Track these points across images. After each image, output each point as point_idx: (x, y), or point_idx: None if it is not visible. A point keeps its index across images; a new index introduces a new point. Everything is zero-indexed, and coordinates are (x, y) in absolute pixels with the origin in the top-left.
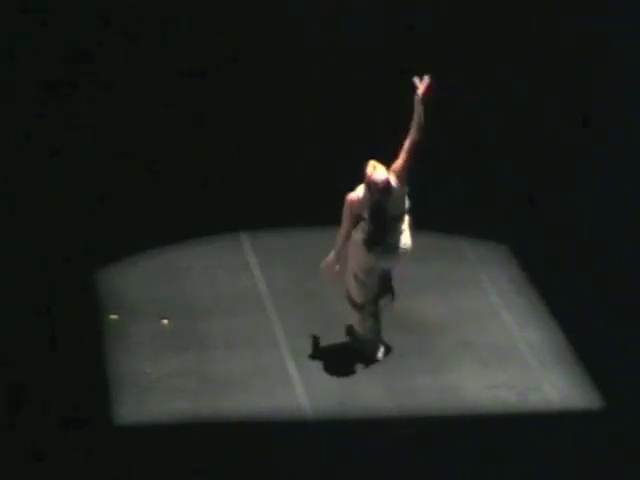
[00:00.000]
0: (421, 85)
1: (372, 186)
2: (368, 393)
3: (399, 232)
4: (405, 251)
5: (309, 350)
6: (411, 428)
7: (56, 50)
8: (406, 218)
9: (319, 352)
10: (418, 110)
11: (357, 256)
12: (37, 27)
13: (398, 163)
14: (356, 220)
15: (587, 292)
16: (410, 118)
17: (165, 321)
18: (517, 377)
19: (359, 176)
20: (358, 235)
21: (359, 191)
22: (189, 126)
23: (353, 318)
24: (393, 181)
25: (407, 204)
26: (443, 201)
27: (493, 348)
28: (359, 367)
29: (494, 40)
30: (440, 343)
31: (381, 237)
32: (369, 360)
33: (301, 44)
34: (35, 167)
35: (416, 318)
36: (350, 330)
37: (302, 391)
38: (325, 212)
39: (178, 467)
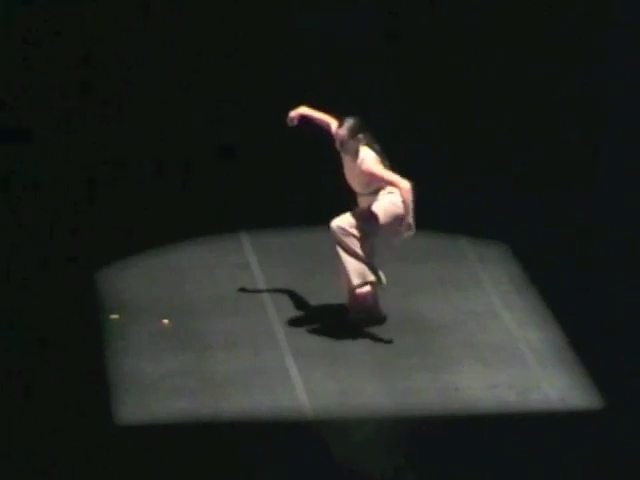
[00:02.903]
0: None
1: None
2: (368, 393)
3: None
4: None
5: (309, 350)
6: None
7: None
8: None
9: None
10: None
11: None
12: None
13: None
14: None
15: (587, 292)
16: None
17: (165, 321)
18: (517, 377)
19: None
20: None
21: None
22: (189, 126)
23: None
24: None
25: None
26: (443, 201)
27: (493, 348)
28: (359, 367)
29: (494, 37)
30: (440, 343)
31: None
32: (377, 322)
33: (301, 44)
34: (35, 167)
35: (416, 318)
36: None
37: (302, 391)
38: (325, 212)
39: (178, 467)
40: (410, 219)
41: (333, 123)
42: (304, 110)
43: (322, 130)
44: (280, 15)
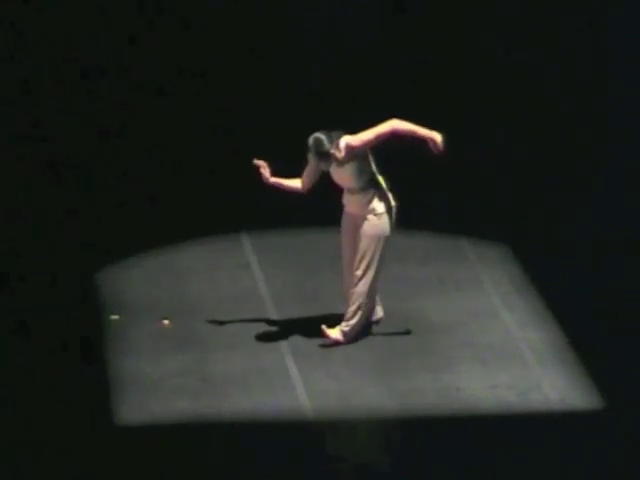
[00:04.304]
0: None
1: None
2: (368, 393)
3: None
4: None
5: (309, 350)
6: None
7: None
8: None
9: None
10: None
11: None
12: None
13: (363, 136)
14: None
15: (587, 292)
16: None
17: (166, 321)
18: (517, 377)
19: None
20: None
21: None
22: (189, 125)
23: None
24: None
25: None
26: (444, 202)
27: (493, 348)
28: (359, 367)
29: (494, 36)
30: (440, 343)
31: None
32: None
33: (301, 44)
34: (35, 167)
35: (416, 318)
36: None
37: (302, 391)
38: (325, 212)
39: (178, 467)
40: (424, 132)
41: (298, 183)
42: (272, 180)
43: (294, 193)
44: (280, 15)
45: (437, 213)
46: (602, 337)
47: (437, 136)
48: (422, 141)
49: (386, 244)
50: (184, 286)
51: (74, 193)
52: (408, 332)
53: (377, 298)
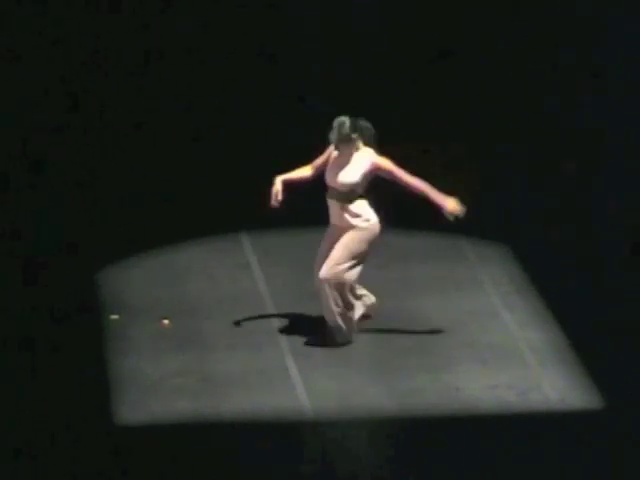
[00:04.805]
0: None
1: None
2: (368, 393)
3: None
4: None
5: (309, 350)
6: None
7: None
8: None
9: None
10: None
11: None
12: None
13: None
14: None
15: (587, 292)
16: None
17: (166, 321)
18: (517, 377)
19: None
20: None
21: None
22: (189, 125)
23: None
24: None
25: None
26: None
27: (493, 348)
28: (359, 367)
29: (494, 36)
30: (440, 343)
31: None
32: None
33: (301, 44)
34: (34, 167)
35: (416, 318)
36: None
37: (302, 391)
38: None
39: (178, 467)
40: (437, 198)
41: (308, 170)
42: (281, 180)
43: (304, 182)
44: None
45: (437, 213)
46: (602, 337)
47: (450, 203)
48: (436, 205)
49: (366, 249)
50: (184, 286)
51: (74, 193)
52: (408, 332)
53: (365, 292)
